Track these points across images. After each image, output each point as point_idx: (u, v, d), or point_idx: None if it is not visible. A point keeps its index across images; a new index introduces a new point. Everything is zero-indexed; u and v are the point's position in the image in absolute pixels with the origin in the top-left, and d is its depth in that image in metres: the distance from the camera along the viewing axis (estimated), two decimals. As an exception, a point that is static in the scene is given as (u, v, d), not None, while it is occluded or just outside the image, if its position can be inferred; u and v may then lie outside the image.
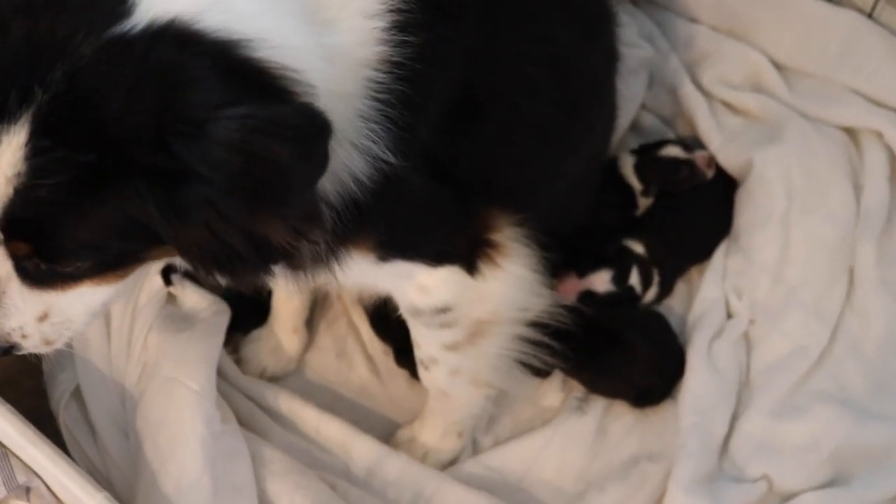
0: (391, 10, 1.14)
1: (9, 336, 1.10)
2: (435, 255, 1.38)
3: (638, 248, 1.78)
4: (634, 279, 1.75)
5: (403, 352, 1.72)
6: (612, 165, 1.88)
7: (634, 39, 2.04)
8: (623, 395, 1.70)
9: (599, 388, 1.71)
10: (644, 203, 1.87)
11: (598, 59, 1.59)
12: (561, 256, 1.63)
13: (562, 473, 1.66)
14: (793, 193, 1.79)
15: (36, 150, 0.94)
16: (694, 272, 1.86)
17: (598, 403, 1.71)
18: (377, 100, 1.14)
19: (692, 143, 1.91)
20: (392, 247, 1.32)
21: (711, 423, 1.63)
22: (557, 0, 1.44)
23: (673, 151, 1.86)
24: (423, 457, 1.66)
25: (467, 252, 1.40)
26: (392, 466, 1.62)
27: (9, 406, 1.41)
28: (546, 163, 1.50)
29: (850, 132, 1.88)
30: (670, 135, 1.98)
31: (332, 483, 1.59)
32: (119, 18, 0.97)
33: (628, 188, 1.86)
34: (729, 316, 1.77)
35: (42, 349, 1.15)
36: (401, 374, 1.77)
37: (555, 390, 1.73)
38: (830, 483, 1.60)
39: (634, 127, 2.00)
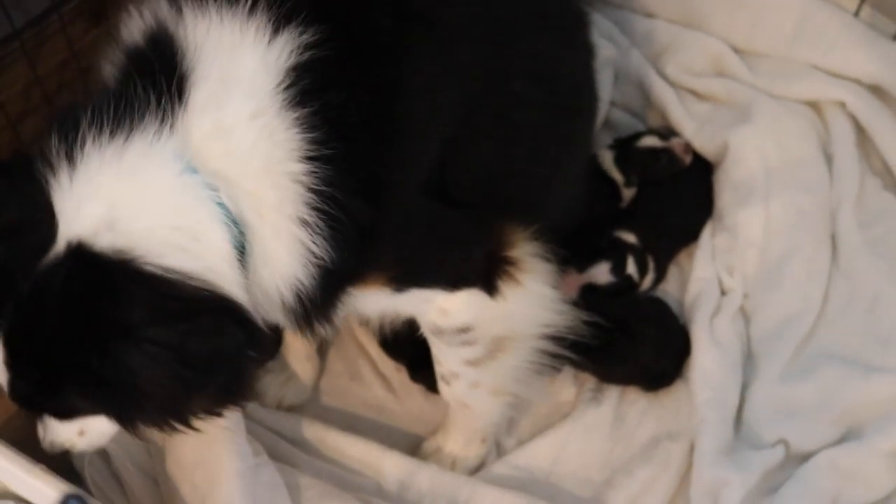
0: (283, 88, 1.17)
1: (62, 445, 1.30)
2: (452, 280, 1.41)
3: (630, 237, 1.83)
4: (631, 267, 1.80)
5: (417, 367, 1.75)
6: (593, 162, 1.94)
7: (595, 39, 2.10)
8: (635, 381, 1.74)
9: (612, 377, 1.75)
10: (628, 194, 1.93)
11: (577, 59, 1.64)
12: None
13: (587, 464, 1.70)
14: (769, 169, 1.86)
15: (7, 364, 1.17)
16: (683, 256, 1.92)
17: (612, 392, 1.76)
18: (315, 192, 1.17)
19: (666, 132, 1.98)
20: (406, 280, 1.37)
21: (725, 395, 1.68)
22: (536, 17, 1.48)
23: (650, 141, 1.92)
24: (452, 465, 1.69)
25: (485, 273, 1.43)
26: (423, 478, 1.64)
27: (42, 466, 1.40)
28: (549, 164, 1.54)
29: (814, 105, 1.97)
30: (642, 128, 2.05)
31: (367, 501, 1.61)
32: (45, 249, 1.13)
33: (611, 182, 1.92)
34: (723, 293, 1.83)
35: (92, 447, 1.33)
36: (416, 389, 1.79)
37: (568, 385, 1.77)
38: (844, 438, 1.66)
39: (607, 124, 2.07)
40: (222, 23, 1.20)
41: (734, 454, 1.64)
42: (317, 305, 1.26)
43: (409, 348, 1.72)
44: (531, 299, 1.48)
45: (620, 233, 1.84)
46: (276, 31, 1.18)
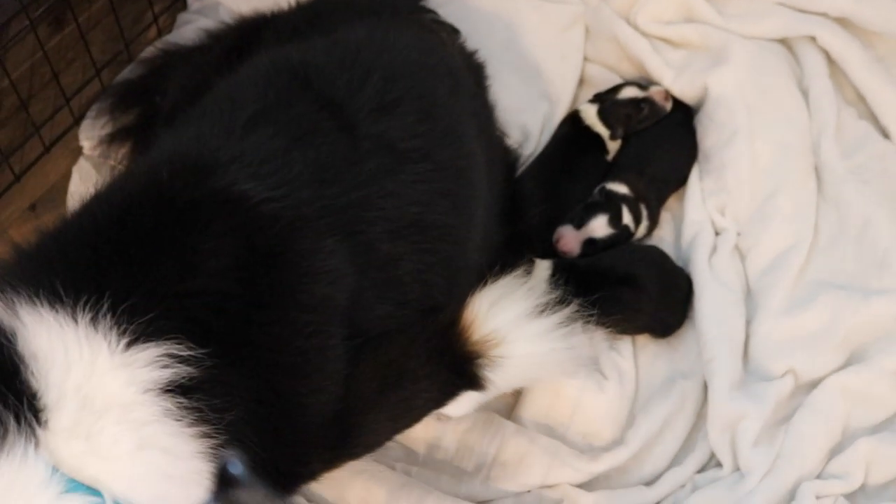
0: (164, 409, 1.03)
1: None
2: (437, 404, 1.33)
3: (621, 188, 1.86)
4: (627, 217, 1.82)
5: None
6: (576, 119, 1.96)
7: (563, -1, 2.12)
8: (647, 329, 1.77)
9: (624, 328, 1.77)
10: (613, 147, 1.96)
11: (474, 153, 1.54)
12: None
13: (606, 409, 1.71)
14: (750, 108, 1.90)
15: None
16: (672, 201, 1.96)
17: (626, 340, 1.78)
18: None
19: (645, 82, 2.00)
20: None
21: (731, 331, 1.72)
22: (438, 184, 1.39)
23: (630, 92, 1.95)
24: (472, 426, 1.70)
25: (461, 377, 1.32)
26: (450, 441, 1.65)
27: None
28: (474, 241, 1.47)
29: (785, 42, 2.01)
30: (619, 80, 2.07)
31: (392, 466, 1.62)
32: None
33: (596, 136, 1.94)
34: (717, 233, 1.87)
35: None
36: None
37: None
38: (849, 362, 1.71)
39: (583, 80, 2.09)
40: (64, 330, 1.03)
41: (747, 387, 1.68)
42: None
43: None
44: (526, 362, 1.35)
45: (612, 185, 1.87)
46: (133, 342, 1.03)
